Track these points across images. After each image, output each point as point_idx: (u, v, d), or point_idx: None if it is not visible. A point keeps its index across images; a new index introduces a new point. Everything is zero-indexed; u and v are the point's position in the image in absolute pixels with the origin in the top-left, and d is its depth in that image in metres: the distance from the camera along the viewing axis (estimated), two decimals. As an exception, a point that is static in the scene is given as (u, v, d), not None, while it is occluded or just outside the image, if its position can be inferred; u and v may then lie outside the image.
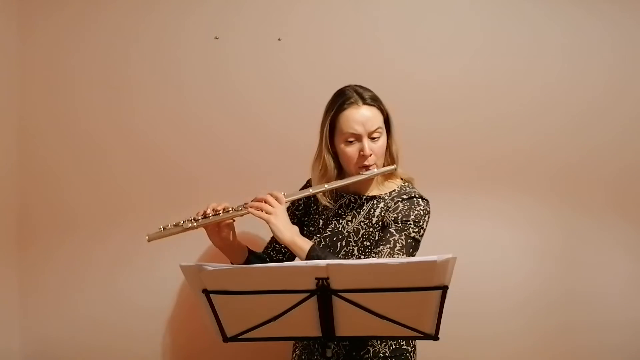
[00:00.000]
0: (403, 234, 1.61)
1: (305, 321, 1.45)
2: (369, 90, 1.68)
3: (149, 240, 1.66)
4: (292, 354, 1.87)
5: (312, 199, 1.79)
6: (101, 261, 2.29)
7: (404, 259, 1.31)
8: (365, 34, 2.24)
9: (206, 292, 1.41)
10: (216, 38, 2.26)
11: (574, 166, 2.21)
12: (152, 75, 2.28)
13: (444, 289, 1.35)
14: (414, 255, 1.63)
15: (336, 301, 1.40)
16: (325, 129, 1.67)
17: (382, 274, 1.35)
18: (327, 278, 1.35)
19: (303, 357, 1.80)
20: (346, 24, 2.24)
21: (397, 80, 2.23)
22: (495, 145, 2.22)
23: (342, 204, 1.75)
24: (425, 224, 1.66)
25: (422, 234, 1.66)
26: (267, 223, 1.56)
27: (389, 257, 1.57)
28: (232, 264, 1.76)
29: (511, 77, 2.21)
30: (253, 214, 1.58)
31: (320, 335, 1.47)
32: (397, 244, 1.59)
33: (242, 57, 2.26)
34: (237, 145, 2.26)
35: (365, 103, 1.64)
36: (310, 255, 1.55)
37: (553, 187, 2.22)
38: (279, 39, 2.25)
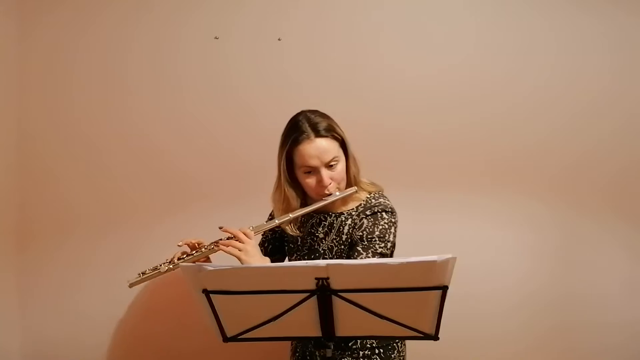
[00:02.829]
0: (370, 251, 1.64)
1: (305, 321, 1.45)
2: (323, 118, 1.67)
3: (130, 287, 1.72)
4: (291, 358, 1.88)
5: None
6: (100, 261, 2.29)
7: (404, 259, 1.30)
8: (365, 34, 2.24)
9: (206, 292, 1.41)
10: (216, 38, 2.26)
11: (573, 166, 2.22)
12: (152, 75, 2.28)
13: (444, 289, 1.35)
14: None
15: (336, 301, 1.40)
16: (282, 163, 1.69)
17: (382, 274, 1.35)
18: (327, 278, 1.35)
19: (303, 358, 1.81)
20: (346, 24, 2.24)
21: (396, 80, 2.23)
22: (494, 146, 2.23)
23: (313, 223, 1.78)
24: (391, 236, 1.68)
25: (390, 247, 1.68)
26: (239, 259, 1.57)
27: None
28: None
29: (508, 77, 2.22)
30: (224, 251, 1.59)
31: (321, 335, 1.47)
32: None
33: (242, 57, 2.26)
34: (237, 145, 2.27)
35: (318, 135, 1.64)
36: None
37: (551, 187, 2.22)
38: (279, 39, 2.25)
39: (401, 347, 1.79)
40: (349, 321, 1.45)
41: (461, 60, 2.22)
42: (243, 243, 1.58)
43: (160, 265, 1.70)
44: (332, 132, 1.66)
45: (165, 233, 2.24)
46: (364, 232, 1.67)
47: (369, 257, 1.63)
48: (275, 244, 1.90)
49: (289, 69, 2.25)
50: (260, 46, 2.25)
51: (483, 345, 2.23)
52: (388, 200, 1.75)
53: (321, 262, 1.34)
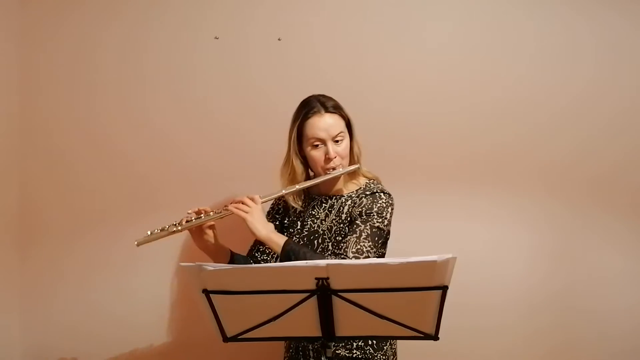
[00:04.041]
0: (368, 224, 1.72)
1: (305, 321, 1.45)
2: (332, 99, 1.81)
3: (138, 245, 1.76)
4: (285, 354, 1.90)
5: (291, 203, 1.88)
6: (101, 262, 2.29)
7: (404, 259, 1.31)
8: (365, 34, 2.24)
9: (206, 292, 1.41)
10: (216, 38, 2.26)
11: (570, 166, 2.23)
12: (152, 75, 2.28)
13: (444, 288, 1.36)
14: (380, 244, 1.73)
15: (336, 301, 1.40)
16: (293, 136, 1.80)
17: (382, 274, 1.35)
18: (327, 278, 1.35)
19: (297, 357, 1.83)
20: (346, 23, 2.24)
21: (396, 80, 2.24)
22: (493, 146, 2.24)
23: (314, 205, 1.86)
24: (388, 214, 1.76)
25: (387, 224, 1.76)
26: (244, 221, 1.68)
27: (355, 245, 1.67)
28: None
29: (505, 78, 2.23)
30: (232, 212, 1.70)
31: (321, 335, 1.47)
32: (363, 233, 1.70)
33: (242, 57, 2.26)
34: (237, 145, 2.27)
35: (327, 111, 1.77)
36: (285, 250, 1.66)
37: (548, 187, 2.24)
38: (279, 39, 2.25)
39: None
40: (349, 321, 1.45)
41: (461, 62, 2.23)
42: (250, 207, 1.69)
43: (168, 227, 1.74)
44: (339, 110, 1.79)
45: (173, 234, 2.24)
46: (363, 208, 1.75)
47: (366, 229, 1.70)
48: (275, 224, 1.90)
49: (289, 69, 2.25)
50: (260, 46, 2.25)
51: (481, 338, 2.24)
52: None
53: (321, 262, 1.34)
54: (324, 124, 1.75)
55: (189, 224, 1.73)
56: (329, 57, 2.24)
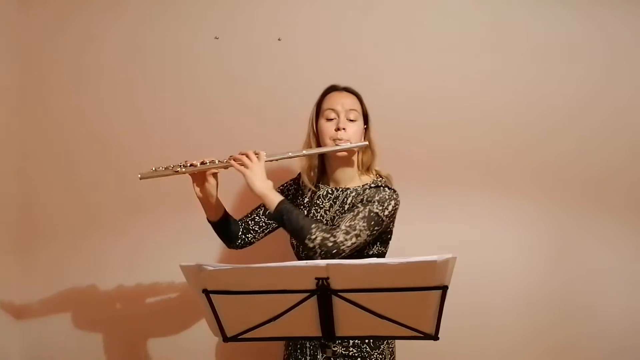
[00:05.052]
0: (367, 207, 1.70)
1: (305, 321, 1.45)
2: (350, 87, 1.86)
3: (141, 179, 1.75)
4: (285, 352, 1.90)
5: (300, 191, 1.92)
6: (101, 262, 2.29)
7: (404, 259, 1.31)
8: (365, 34, 2.24)
9: (206, 292, 1.41)
10: (216, 38, 2.26)
11: (569, 166, 2.25)
12: (152, 75, 2.28)
13: (444, 288, 1.36)
14: (375, 230, 1.69)
15: (336, 301, 1.40)
16: (312, 115, 1.85)
17: (382, 274, 1.35)
18: (327, 278, 1.35)
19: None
20: (346, 23, 2.25)
21: (397, 81, 2.24)
22: (489, 146, 2.25)
23: (320, 195, 1.85)
24: (390, 206, 1.73)
25: (387, 216, 1.72)
26: (243, 175, 1.67)
27: (350, 221, 1.65)
28: (207, 218, 1.85)
29: (501, 77, 2.24)
30: (233, 166, 1.69)
31: (321, 335, 1.47)
32: (360, 214, 1.67)
33: (242, 57, 2.26)
34: (237, 144, 2.26)
35: (347, 91, 1.84)
36: (279, 208, 1.64)
37: (544, 186, 2.25)
38: (279, 39, 2.25)
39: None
40: (349, 321, 1.45)
41: (456, 63, 2.24)
42: (252, 162, 1.67)
43: (173, 166, 1.74)
44: (358, 96, 1.85)
45: (173, 235, 2.26)
46: (365, 196, 1.75)
47: (364, 211, 1.67)
48: None
49: (289, 68, 2.25)
50: (260, 46, 2.25)
51: (480, 337, 2.25)
52: None
53: (321, 262, 1.34)
54: (340, 97, 1.81)
55: (193, 168, 1.73)
56: (329, 57, 2.25)
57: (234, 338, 1.50)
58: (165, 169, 1.75)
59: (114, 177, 2.29)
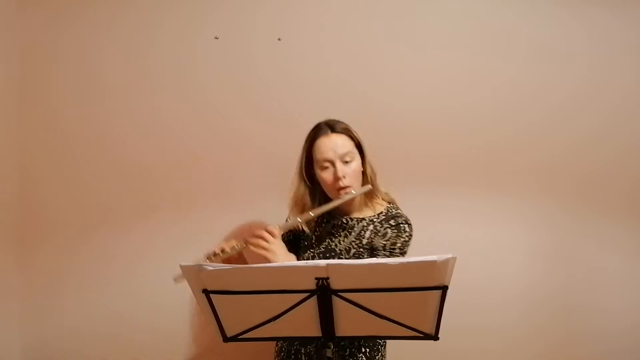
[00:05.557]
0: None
1: (305, 321, 1.45)
2: (340, 122, 1.81)
3: (176, 283, 1.70)
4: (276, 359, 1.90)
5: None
6: (101, 262, 2.29)
7: (403, 259, 1.31)
8: (365, 34, 2.24)
9: (206, 292, 1.41)
10: (216, 38, 2.26)
11: (568, 165, 2.25)
12: (153, 75, 2.28)
13: (444, 288, 1.36)
14: None
15: (336, 301, 1.40)
16: (302, 161, 1.82)
17: (382, 274, 1.35)
18: (327, 278, 1.35)
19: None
20: (346, 23, 2.24)
21: (397, 81, 2.24)
22: (488, 146, 2.24)
23: (334, 224, 1.85)
24: (407, 248, 1.78)
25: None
26: (265, 258, 1.68)
27: None
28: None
29: (499, 77, 2.24)
30: (252, 249, 1.71)
31: (320, 335, 1.47)
32: None
33: (242, 57, 2.26)
34: (237, 144, 2.27)
35: (334, 132, 1.78)
36: None
37: (543, 186, 2.25)
38: (279, 39, 2.25)
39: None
40: (349, 321, 1.45)
41: (455, 62, 2.24)
42: (268, 242, 1.69)
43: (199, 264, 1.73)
44: (347, 131, 1.79)
45: (173, 234, 2.26)
46: (388, 242, 1.75)
47: None
48: (290, 238, 1.92)
49: (289, 69, 2.25)
50: (260, 46, 2.26)
51: (480, 336, 2.25)
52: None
53: (321, 262, 1.34)
54: (331, 143, 1.75)
55: (217, 259, 1.73)
56: (329, 57, 2.24)
57: (234, 338, 1.50)
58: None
59: (115, 177, 2.29)
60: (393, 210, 1.83)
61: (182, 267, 1.42)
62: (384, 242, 1.75)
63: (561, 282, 2.25)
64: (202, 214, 2.27)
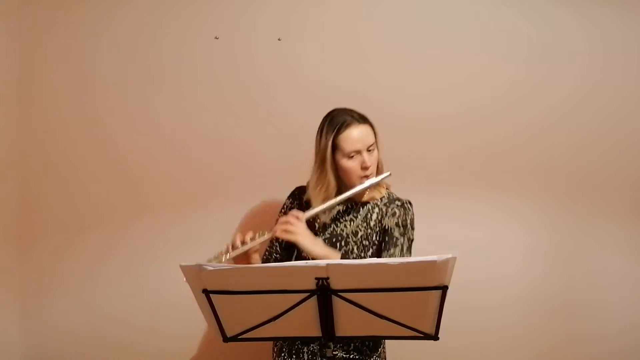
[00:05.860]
0: (405, 237, 1.81)
1: (305, 321, 1.45)
2: (357, 112, 1.83)
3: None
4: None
5: (306, 203, 1.90)
6: (101, 262, 2.29)
7: (403, 259, 1.32)
8: (365, 34, 2.24)
9: (206, 292, 1.41)
10: (216, 38, 2.26)
11: (568, 165, 2.25)
12: (151, 75, 2.28)
13: (444, 288, 1.36)
14: (411, 252, 1.81)
15: (336, 301, 1.40)
16: (328, 150, 1.79)
17: (382, 274, 1.35)
18: (327, 278, 1.35)
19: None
20: (346, 23, 2.24)
21: (397, 81, 2.24)
22: (488, 146, 2.25)
23: (339, 210, 1.87)
24: (414, 225, 1.87)
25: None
26: (296, 242, 1.73)
27: (401, 255, 1.76)
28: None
29: (500, 77, 2.24)
30: (280, 237, 1.76)
31: (321, 335, 1.47)
32: (404, 246, 1.80)
33: (242, 57, 2.26)
34: (236, 145, 2.27)
35: (362, 121, 1.81)
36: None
37: (543, 186, 2.25)
38: (279, 39, 2.25)
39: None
40: (349, 321, 1.45)
41: (455, 62, 2.23)
42: (294, 226, 1.73)
43: (216, 256, 1.75)
44: (369, 121, 1.83)
45: (173, 234, 2.26)
46: (399, 219, 1.82)
47: (406, 242, 1.80)
48: None
49: (289, 69, 2.25)
50: (260, 46, 2.25)
51: (480, 336, 2.26)
52: None
53: (321, 262, 1.34)
54: (360, 134, 1.78)
55: (237, 251, 1.74)
56: (329, 57, 2.24)
57: (234, 338, 1.50)
58: (209, 261, 1.73)
59: (114, 176, 2.29)
60: (394, 194, 1.89)
61: (182, 267, 1.42)
62: (396, 220, 1.82)
63: (561, 282, 2.26)
64: (202, 214, 2.27)
